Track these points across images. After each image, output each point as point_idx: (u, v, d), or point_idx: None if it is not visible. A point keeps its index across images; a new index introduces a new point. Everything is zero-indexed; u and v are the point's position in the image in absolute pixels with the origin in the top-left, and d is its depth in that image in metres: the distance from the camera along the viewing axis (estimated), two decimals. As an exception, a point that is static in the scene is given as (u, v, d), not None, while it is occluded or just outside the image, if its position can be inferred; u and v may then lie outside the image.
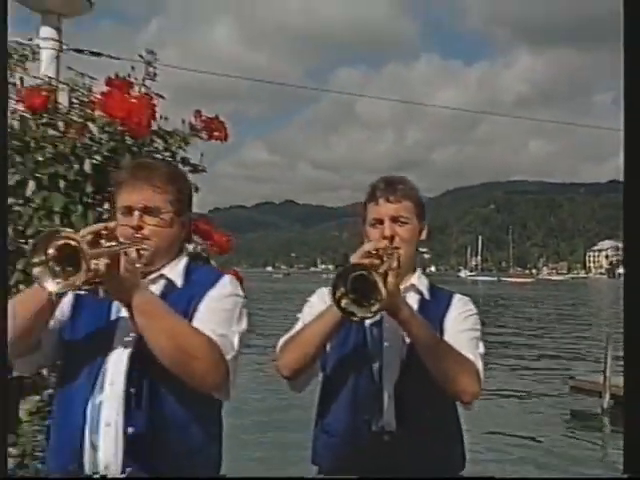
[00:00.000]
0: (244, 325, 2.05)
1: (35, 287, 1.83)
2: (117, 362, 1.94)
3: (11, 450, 2.38)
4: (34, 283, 1.71)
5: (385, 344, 2.26)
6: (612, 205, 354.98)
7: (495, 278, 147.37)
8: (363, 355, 2.26)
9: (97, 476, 1.90)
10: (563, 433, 13.72)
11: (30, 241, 2.72)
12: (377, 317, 2.21)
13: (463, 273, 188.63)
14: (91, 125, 2.85)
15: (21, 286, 2.66)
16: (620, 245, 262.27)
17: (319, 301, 2.36)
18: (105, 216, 2.81)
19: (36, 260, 1.65)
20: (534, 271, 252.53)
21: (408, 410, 2.21)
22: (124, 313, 1.94)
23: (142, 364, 1.93)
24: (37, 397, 2.53)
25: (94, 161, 2.77)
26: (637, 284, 1.71)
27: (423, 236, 2.37)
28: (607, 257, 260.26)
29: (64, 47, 3.08)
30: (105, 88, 2.81)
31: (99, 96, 2.79)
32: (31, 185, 2.73)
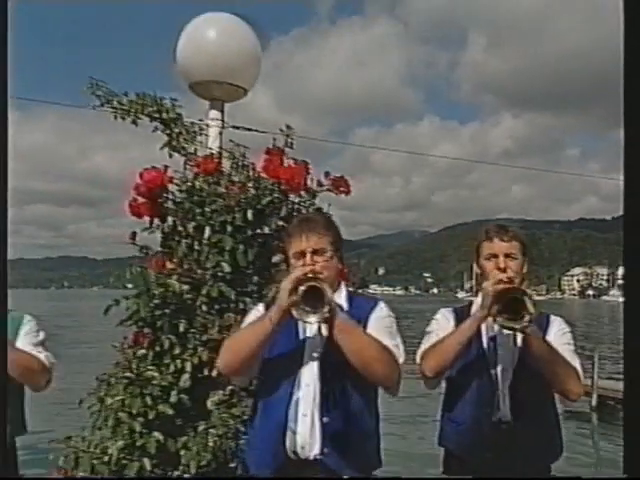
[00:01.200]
0: (400, 337, 2.21)
1: (259, 322, 2.07)
2: (310, 369, 2.10)
3: (213, 430, 2.50)
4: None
5: (499, 353, 2.35)
6: (581, 238, 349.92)
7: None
8: (483, 362, 2.35)
9: (292, 456, 2.05)
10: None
11: (208, 272, 2.90)
12: (494, 332, 2.35)
13: (460, 294, 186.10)
14: (249, 183, 3.04)
15: (204, 307, 2.83)
16: (588, 271, 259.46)
17: (443, 318, 2.50)
18: (255, 252, 2.96)
19: (293, 300, 1.88)
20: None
21: (520, 404, 2.29)
22: (309, 333, 2.14)
23: (330, 370, 2.07)
24: (221, 391, 2.64)
25: (254, 211, 2.93)
26: (636, 292, 1.62)
27: (525, 269, 2.43)
28: (578, 281, 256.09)
29: (225, 125, 3.26)
30: (264, 156, 2.97)
31: (262, 162, 2.95)
32: (207, 230, 2.91)
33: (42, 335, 2.64)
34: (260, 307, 2.31)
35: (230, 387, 2.64)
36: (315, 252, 2.15)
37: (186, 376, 2.63)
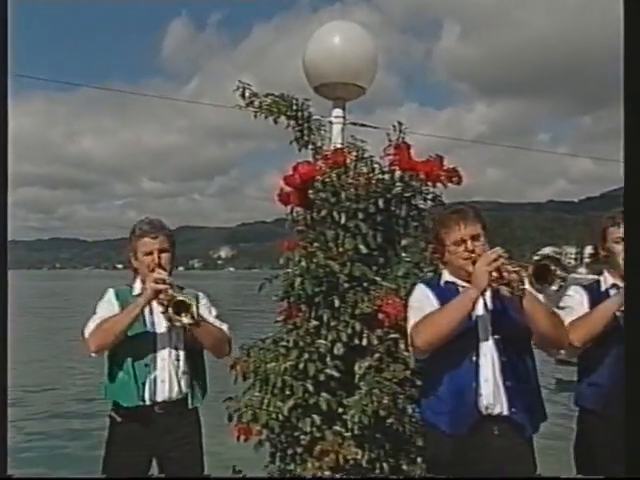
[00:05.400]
0: None
1: (458, 302, 2.25)
2: (485, 341, 2.34)
3: (375, 391, 2.75)
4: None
5: None
6: (550, 219, 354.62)
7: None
8: (616, 335, 2.45)
9: (478, 415, 2.29)
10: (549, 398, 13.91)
11: (348, 253, 3.13)
12: None
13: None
14: (372, 174, 3.27)
15: (346, 285, 3.06)
16: (558, 250, 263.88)
17: (576, 294, 2.78)
18: (381, 236, 3.19)
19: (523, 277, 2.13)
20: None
21: None
22: (480, 310, 2.35)
23: (503, 340, 2.32)
24: (370, 358, 2.89)
25: (384, 199, 3.16)
26: (637, 285, 1.55)
27: None
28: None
29: (346, 122, 3.48)
30: (393, 150, 3.19)
31: (390, 155, 3.17)
32: (343, 216, 3.13)
33: (215, 310, 2.87)
34: (422, 286, 2.55)
35: (377, 354, 2.89)
36: (473, 238, 2.40)
37: (339, 345, 2.87)
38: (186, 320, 2.50)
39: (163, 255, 2.66)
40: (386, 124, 3.40)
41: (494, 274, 2.22)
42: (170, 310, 2.49)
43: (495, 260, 2.22)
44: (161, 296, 2.53)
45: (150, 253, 2.64)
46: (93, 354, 2.58)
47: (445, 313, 2.30)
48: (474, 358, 2.32)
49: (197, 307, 2.54)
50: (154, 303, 2.62)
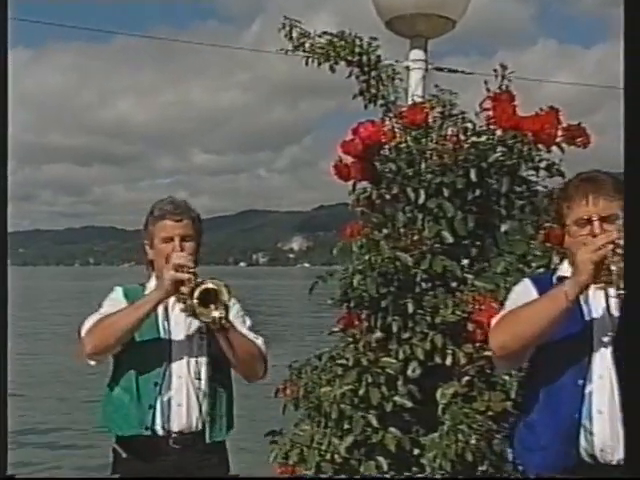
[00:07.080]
0: None
1: (548, 298, 2.11)
2: (601, 357, 2.15)
3: (461, 427, 2.67)
4: None
5: None
6: None
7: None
8: None
9: (589, 460, 2.12)
10: None
11: (428, 243, 3.04)
12: None
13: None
14: (468, 137, 3.15)
15: (423, 284, 3.00)
16: None
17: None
18: (469, 225, 3.08)
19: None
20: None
21: None
22: (596, 314, 2.20)
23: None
24: (457, 383, 2.80)
25: (477, 170, 3.03)
26: (637, 287, 1.66)
27: None
28: None
29: (429, 67, 3.38)
30: (490, 102, 3.05)
31: (489, 109, 3.04)
32: (422, 194, 3.04)
33: (249, 320, 2.82)
34: (527, 281, 2.41)
35: (467, 378, 2.80)
36: (604, 219, 2.21)
37: (415, 364, 2.80)
38: (217, 313, 2.38)
39: (186, 244, 2.60)
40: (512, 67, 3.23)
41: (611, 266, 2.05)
42: (195, 301, 2.38)
43: (604, 246, 2.05)
44: (183, 289, 2.43)
45: (170, 239, 2.59)
46: (90, 361, 2.56)
47: (529, 310, 2.16)
48: (578, 380, 2.16)
49: (229, 298, 2.42)
50: (172, 302, 2.57)
